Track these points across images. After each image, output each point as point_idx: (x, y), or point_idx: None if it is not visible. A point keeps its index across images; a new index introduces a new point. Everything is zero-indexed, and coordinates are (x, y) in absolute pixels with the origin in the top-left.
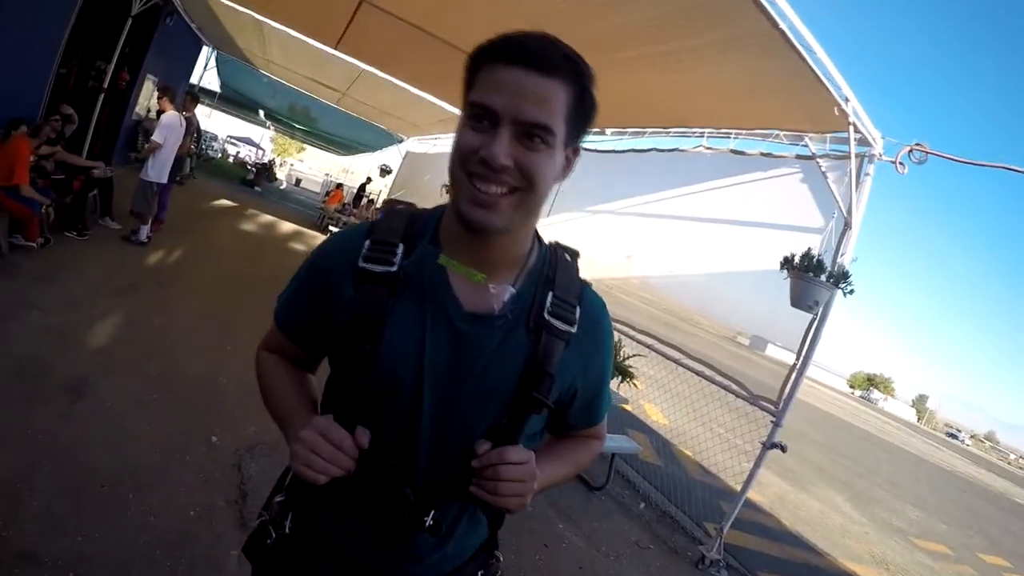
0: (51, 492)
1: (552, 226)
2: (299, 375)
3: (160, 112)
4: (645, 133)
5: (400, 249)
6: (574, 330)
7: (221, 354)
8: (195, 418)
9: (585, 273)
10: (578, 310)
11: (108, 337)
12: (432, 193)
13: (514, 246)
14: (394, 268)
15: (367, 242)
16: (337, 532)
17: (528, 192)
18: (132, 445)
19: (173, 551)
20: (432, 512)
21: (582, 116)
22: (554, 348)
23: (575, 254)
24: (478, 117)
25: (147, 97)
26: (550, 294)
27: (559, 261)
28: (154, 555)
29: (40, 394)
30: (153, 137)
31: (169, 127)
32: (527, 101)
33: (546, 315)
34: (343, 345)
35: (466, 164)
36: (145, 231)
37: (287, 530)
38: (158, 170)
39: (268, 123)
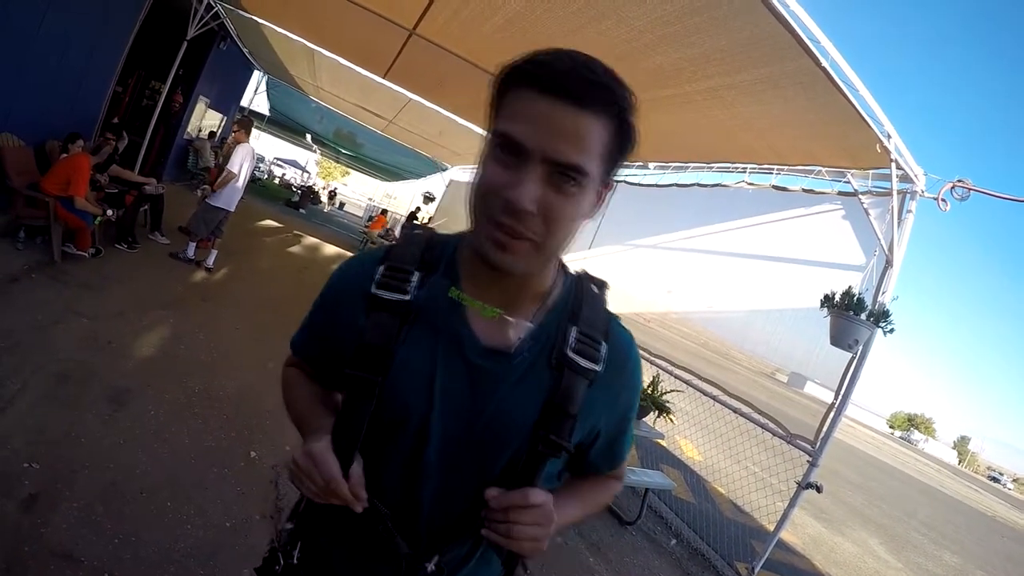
0: (90, 495)
1: (593, 259)
2: (317, 387)
3: (224, 140)
4: (688, 168)
5: (416, 277)
6: (599, 368)
7: (262, 372)
8: (234, 433)
9: (625, 307)
10: (604, 346)
11: (152, 348)
12: None
13: (535, 281)
14: (407, 297)
15: (381, 268)
16: (342, 569)
17: (548, 239)
18: (171, 455)
19: (207, 560)
20: (436, 558)
21: (619, 150)
22: (577, 387)
23: (602, 284)
24: (504, 148)
25: (199, 118)
26: (574, 329)
27: (585, 293)
28: (188, 563)
29: (84, 399)
30: (229, 167)
31: (244, 157)
32: (560, 139)
33: (569, 352)
34: (350, 374)
35: (487, 200)
36: (193, 248)
37: (295, 560)
38: (227, 198)
39: (315, 147)
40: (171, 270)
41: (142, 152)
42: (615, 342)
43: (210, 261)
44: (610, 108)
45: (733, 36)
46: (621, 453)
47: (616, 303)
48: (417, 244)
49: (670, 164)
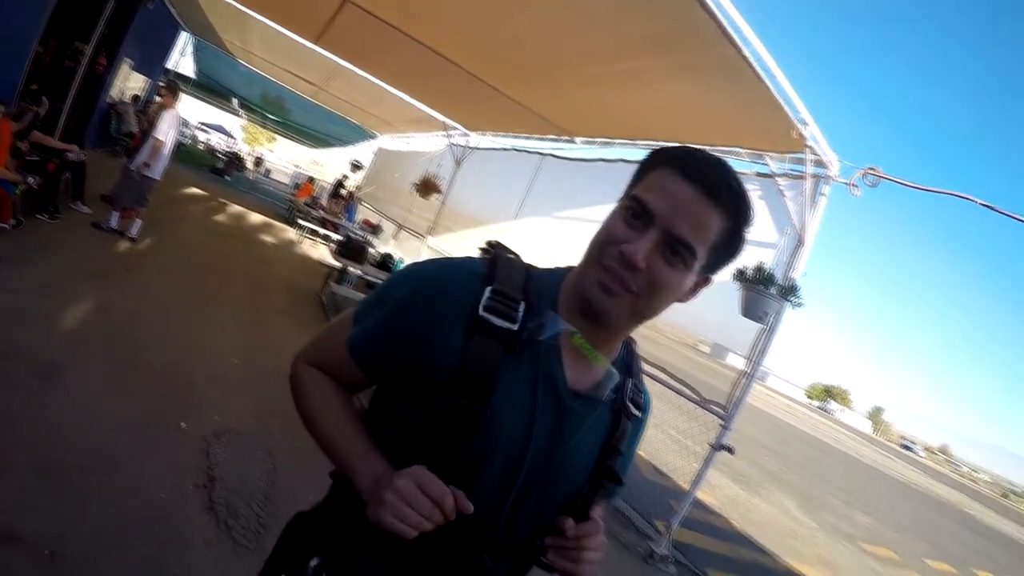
0: (24, 473)
1: (518, 230)
2: (353, 406)
3: (148, 103)
4: (614, 143)
5: (522, 307)
6: (641, 416)
7: (190, 342)
8: (164, 404)
9: None
10: (644, 397)
11: (78, 322)
12: (402, 191)
13: (617, 341)
14: (516, 327)
15: (488, 289)
16: None
17: (645, 300)
18: (103, 429)
19: (144, 531)
20: None
21: (726, 251)
22: (626, 430)
23: (635, 342)
24: (634, 213)
25: (123, 80)
26: (630, 381)
27: (632, 350)
28: (126, 534)
29: (10, 377)
30: (155, 134)
31: (171, 124)
32: (685, 218)
33: (627, 400)
34: (450, 400)
35: (604, 248)
36: (116, 218)
37: None
38: (158, 167)
39: (241, 111)
40: (94, 241)
41: (63, 117)
42: (644, 396)
43: (134, 231)
44: (734, 212)
45: (660, 21)
46: (619, 490)
47: None
48: (519, 272)
49: (596, 139)
